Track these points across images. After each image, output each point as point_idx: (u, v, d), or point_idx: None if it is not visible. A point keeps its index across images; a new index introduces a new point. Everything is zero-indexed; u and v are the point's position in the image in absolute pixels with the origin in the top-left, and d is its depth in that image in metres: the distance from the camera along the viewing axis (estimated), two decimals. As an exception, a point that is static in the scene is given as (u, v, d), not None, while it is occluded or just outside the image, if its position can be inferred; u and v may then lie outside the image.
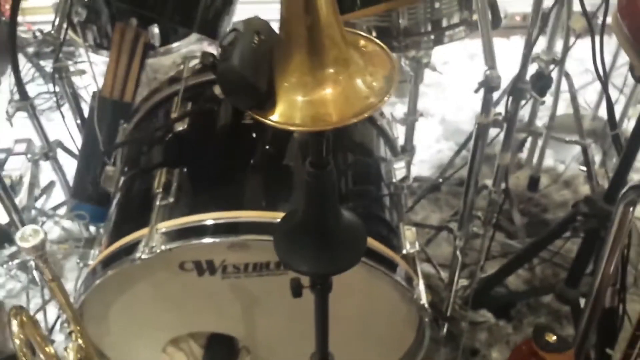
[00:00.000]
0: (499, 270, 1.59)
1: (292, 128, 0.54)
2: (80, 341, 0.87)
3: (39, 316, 1.65)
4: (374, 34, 1.44)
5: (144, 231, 1.04)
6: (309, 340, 0.98)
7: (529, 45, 1.24)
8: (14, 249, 1.65)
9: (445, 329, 1.60)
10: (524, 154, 2.17)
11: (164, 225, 1.05)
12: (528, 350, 0.90)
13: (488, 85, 1.19)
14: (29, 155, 1.69)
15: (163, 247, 1.00)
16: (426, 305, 1.18)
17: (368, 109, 0.55)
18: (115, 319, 1.21)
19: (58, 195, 2.01)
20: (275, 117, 0.54)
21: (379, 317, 1.28)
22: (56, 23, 1.35)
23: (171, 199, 1.09)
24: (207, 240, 1.02)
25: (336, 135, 1.36)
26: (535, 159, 2.06)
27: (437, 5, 1.42)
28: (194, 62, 1.33)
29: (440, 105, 2.53)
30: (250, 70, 0.52)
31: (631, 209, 0.92)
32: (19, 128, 1.64)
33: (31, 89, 2.38)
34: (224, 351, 1.33)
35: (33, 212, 1.85)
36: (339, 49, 0.54)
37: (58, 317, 1.49)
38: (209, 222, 1.05)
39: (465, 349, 1.69)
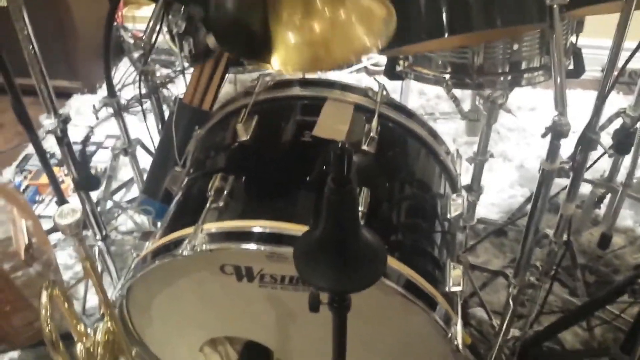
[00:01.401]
0: (551, 324, 1.51)
1: (290, 72, 0.53)
2: (109, 324, 0.92)
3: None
4: (449, 69, 1.44)
5: (191, 229, 1.09)
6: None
7: (602, 96, 1.20)
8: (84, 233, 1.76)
9: (487, 379, 1.54)
10: (601, 211, 2.07)
11: (210, 227, 1.09)
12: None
13: (555, 130, 1.16)
14: (111, 149, 1.81)
15: (204, 247, 1.05)
16: (460, 347, 1.15)
17: (366, 49, 0.53)
18: (158, 311, 1.27)
19: (137, 190, 2.14)
20: (274, 62, 0.52)
21: (413, 353, 1.26)
22: (149, 29, 1.45)
23: (221, 203, 1.13)
24: (246, 246, 1.05)
25: (395, 165, 1.37)
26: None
27: (516, 47, 1.40)
28: (268, 78, 1.38)
29: (521, 151, 2.47)
30: (244, 12, 0.50)
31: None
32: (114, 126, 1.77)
33: (129, 92, 2.57)
34: (258, 359, 1.35)
35: (109, 203, 1.98)
36: None
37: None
38: (254, 229, 1.08)
39: (508, 402, 1.62)
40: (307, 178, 1.22)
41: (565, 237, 1.39)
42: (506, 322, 1.52)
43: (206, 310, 1.25)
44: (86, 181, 1.43)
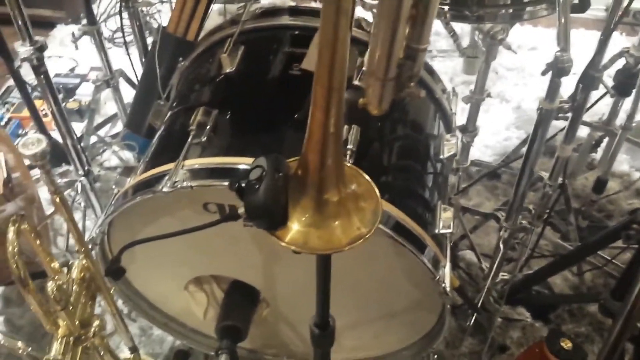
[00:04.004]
0: (541, 268, 1.50)
1: (293, 248, 0.68)
2: (84, 261, 0.88)
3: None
4: (448, 0, 1.36)
5: (172, 165, 1.05)
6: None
7: (607, 32, 1.13)
8: (65, 168, 1.72)
9: (472, 319, 1.54)
10: (597, 155, 2.03)
11: (192, 163, 1.04)
12: (540, 352, 0.83)
13: (557, 67, 1.10)
14: (93, 81, 1.73)
15: (185, 184, 1.00)
16: (448, 290, 1.13)
17: (359, 238, 0.67)
18: (141, 248, 1.23)
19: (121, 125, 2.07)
20: (286, 239, 0.68)
21: (401, 294, 1.24)
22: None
23: (203, 138, 1.08)
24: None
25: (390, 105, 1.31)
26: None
27: (519, -23, 1.32)
28: (256, 6, 1.30)
29: (519, 91, 2.40)
30: (272, 204, 0.66)
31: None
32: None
33: (115, 23, 2.47)
34: (244, 298, 1.33)
35: (92, 138, 1.92)
36: (340, 189, 0.67)
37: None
38: (237, 166, 1.04)
39: (494, 343, 1.63)
40: (295, 115, 1.17)
41: (560, 180, 1.35)
42: (496, 265, 1.51)
43: (190, 248, 1.21)
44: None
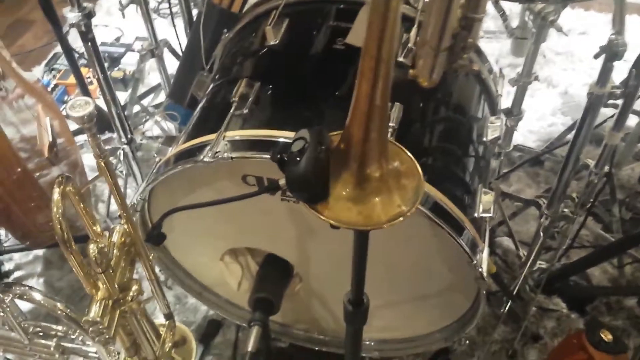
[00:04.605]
0: (581, 259, 1.46)
1: (332, 222, 0.67)
2: (125, 226, 0.89)
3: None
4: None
5: (213, 136, 1.05)
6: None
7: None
8: (108, 135, 1.75)
9: (507, 307, 1.51)
10: (647, 145, 1.96)
11: (232, 134, 1.05)
12: (578, 343, 0.81)
13: (610, 51, 1.06)
14: (138, 50, 1.75)
15: (225, 155, 1.00)
16: (485, 275, 1.11)
17: (399, 216, 0.66)
18: (179, 218, 1.25)
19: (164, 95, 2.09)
20: (325, 213, 0.67)
21: (435, 277, 1.23)
22: None
23: (245, 110, 1.08)
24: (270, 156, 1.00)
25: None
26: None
27: (576, -43, 1.27)
28: (302, -20, 1.29)
29: (567, 76, 2.33)
30: (313, 176, 0.66)
31: None
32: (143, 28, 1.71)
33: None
34: (278, 272, 1.34)
35: (135, 107, 1.94)
36: (382, 164, 0.66)
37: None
38: (279, 139, 1.03)
39: (528, 332, 1.60)
40: (337, 91, 1.15)
41: (607, 168, 1.31)
42: (534, 253, 1.48)
43: (227, 220, 1.22)
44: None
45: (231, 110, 1.09)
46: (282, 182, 0.70)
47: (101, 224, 1.76)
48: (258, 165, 1.06)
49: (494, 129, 1.31)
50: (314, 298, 1.43)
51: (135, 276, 0.98)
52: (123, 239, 0.90)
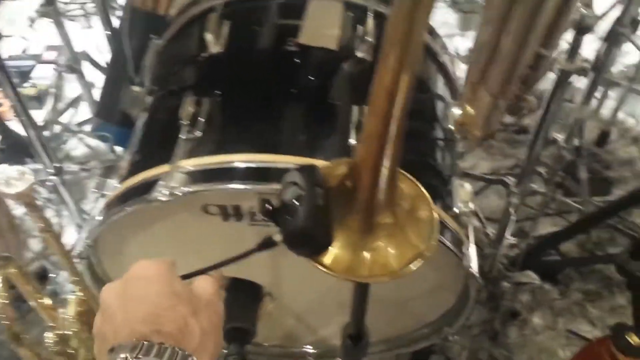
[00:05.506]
0: (558, 232, 1.43)
1: (346, 277, 0.57)
2: (81, 294, 0.76)
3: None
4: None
5: (166, 168, 0.92)
6: (335, 292, 0.87)
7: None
8: (32, 165, 1.55)
9: (485, 290, 1.48)
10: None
11: (188, 164, 0.92)
12: (605, 350, 0.76)
13: (580, 24, 1.00)
14: (54, 66, 1.55)
15: (184, 189, 0.88)
16: (477, 274, 1.05)
17: (417, 257, 0.57)
18: (132, 258, 1.11)
19: (86, 110, 1.90)
20: (332, 265, 0.57)
21: (421, 277, 1.16)
22: None
23: (198, 133, 0.95)
24: (235, 186, 0.89)
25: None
26: (604, 112, 1.85)
27: None
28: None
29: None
30: (315, 229, 0.56)
31: None
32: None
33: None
34: (247, 295, 1.23)
35: (56, 127, 1.74)
36: (394, 209, 0.57)
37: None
38: (239, 164, 0.92)
39: (505, 310, 1.58)
40: (292, 95, 1.04)
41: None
42: (506, 231, 1.44)
43: (188, 253, 1.09)
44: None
45: (181, 134, 0.95)
46: (277, 237, 0.59)
47: (34, 262, 1.57)
48: (219, 194, 0.94)
49: (457, 115, 1.24)
50: (288, 314, 1.34)
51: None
52: (80, 309, 0.76)
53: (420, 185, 0.63)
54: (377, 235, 0.56)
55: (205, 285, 0.58)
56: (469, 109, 0.54)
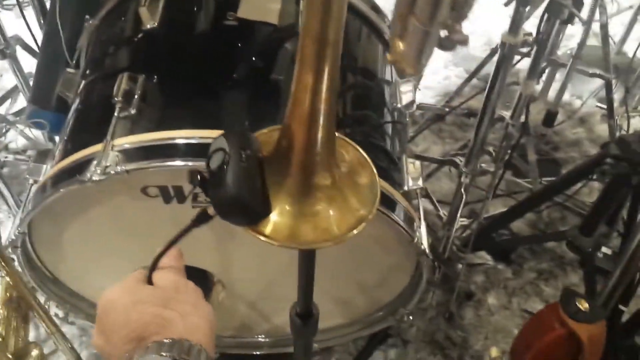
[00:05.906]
0: (507, 211, 1.44)
1: (287, 245, 0.54)
2: (8, 278, 0.71)
3: None
4: None
5: (99, 147, 0.87)
6: (287, 275, 0.83)
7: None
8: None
9: (440, 271, 1.47)
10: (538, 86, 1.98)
11: (123, 142, 0.87)
12: (554, 317, 0.75)
13: (522, -4, 0.99)
14: (-16, 52, 1.47)
15: (118, 169, 0.83)
16: (427, 251, 1.04)
17: (361, 221, 0.55)
18: (70, 245, 1.06)
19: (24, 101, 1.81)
20: (273, 234, 0.53)
21: (371, 257, 1.14)
22: None
23: (133, 111, 0.91)
24: (174, 162, 0.85)
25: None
26: (550, 92, 1.88)
27: None
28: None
29: (451, 27, 2.31)
30: (245, 193, 0.52)
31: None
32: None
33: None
34: (197, 284, 1.19)
35: (-8, 118, 1.66)
36: (332, 169, 0.54)
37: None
38: (179, 141, 0.88)
39: (460, 292, 1.58)
40: (234, 72, 1.00)
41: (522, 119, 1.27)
42: (458, 213, 1.44)
43: (129, 238, 1.05)
44: None
45: (115, 112, 0.91)
46: (211, 210, 0.55)
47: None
48: (159, 174, 0.89)
49: (406, 93, 1.22)
50: (240, 302, 1.30)
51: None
52: (8, 294, 0.71)
53: (361, 151, 0.61)
54: (317, 197, 0.53)
55: (164, 275, 0.58)
56: (399, 44, 0.51)
